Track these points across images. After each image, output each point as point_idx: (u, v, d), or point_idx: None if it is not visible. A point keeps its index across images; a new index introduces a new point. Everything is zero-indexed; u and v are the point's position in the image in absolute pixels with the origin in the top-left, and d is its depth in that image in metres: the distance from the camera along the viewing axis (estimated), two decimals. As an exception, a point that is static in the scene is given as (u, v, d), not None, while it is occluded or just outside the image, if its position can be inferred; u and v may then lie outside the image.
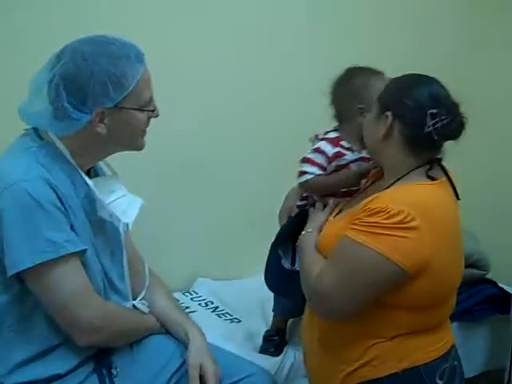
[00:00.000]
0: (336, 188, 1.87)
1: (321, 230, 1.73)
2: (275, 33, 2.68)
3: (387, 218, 1.47)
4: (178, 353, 1.71)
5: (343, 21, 2.82)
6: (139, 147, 1.65)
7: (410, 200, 1.51)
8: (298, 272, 1.81)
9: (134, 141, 1.62)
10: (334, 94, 1.88)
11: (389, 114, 1.57)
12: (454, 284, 1.66)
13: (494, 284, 2.57)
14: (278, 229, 2.01)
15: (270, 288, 2.06)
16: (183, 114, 2.42)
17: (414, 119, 1.55)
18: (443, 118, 1.53)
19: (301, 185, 1.90)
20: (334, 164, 1.86)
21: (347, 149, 1.88)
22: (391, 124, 1.57)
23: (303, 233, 1.75)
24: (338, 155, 1.86)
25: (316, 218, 1.78)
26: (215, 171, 2.68)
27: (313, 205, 1.86)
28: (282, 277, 1.93)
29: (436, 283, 1.55)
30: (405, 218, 1.46)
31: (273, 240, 1.92)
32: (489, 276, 2.58)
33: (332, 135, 1.89)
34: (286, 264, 1.90)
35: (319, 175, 1.86)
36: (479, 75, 3.01)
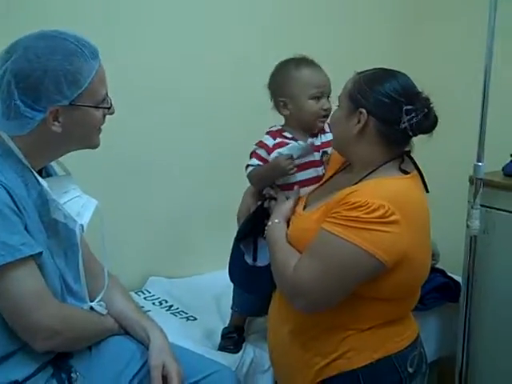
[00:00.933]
0: (269, 178, 1.91)
1: (288, 221, 1.73)
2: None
3: (368, 213, 1.49)
4: (138, 354, 1.68)
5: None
6: (94, 145, 1.61)
7: (389, 194, 1.53)
8: (261, 268, 1.81)
9: (89, 139, 1.58)
10: (268, 85, 1.96)
11: (363, 111, 1.59)
12: (425, 275, 1.69)
13: (443, 273, 2.64)
14: (232, 226, 2.01)
15: (235, 283, 2.07)
16: (131, 111, 2.38)
17: (390, 116, 1.58)
18: (418, 113, 1.57)
19: (247, 178, 1.96)
20: (273, 155, 1.89)
21: (290, 138, 1.91)
22: (366, 120, 1.59)
23: (269, 223, 1.75)
24: (279, 145, 1.90)
25: (281, 208, 1.78)
26: (164, 168, 2.64)
27: (273, 198, 1.86)
28: (246, 272, 1.94)
29: (412, 275, 1.59)
30: (385, 212, 1.48)
31: (234, 236, 1.94)
32: (438, 265, 2.64)
33: (275, 127, 1.95)
34: (249, 260, 1.90)
35: (259, 166, 1.91)
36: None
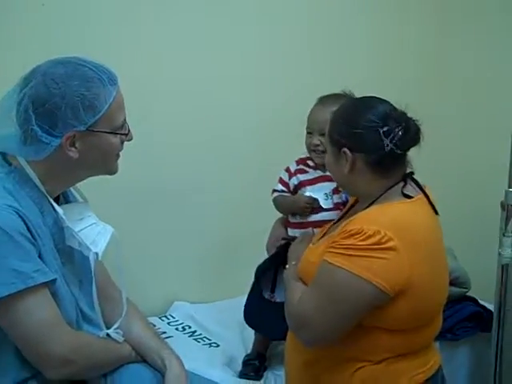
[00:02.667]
0: (288, 210, 2.03)
1: None
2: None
3: (363, 240, 1.46)
4: (154, 382, 1.64)
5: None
6: (112, 171, 1.60)
7: (385, 220, 1.49)
8: (277, 304, 1.80)
9: (106, 165, 1.57)
10: None
11: (346, 150, 1.57)
12: (438, 304, 1.64)
13: (475, 301, 2.55)
14: (257, 251, 2.04)
15: (248, 322, 2.12)
16: (155, 135, 2.39)
17: (371, 145, 1.55)
18: (396, 130, 1.53)
19: (272, 202, 2.08)
20: (291, 182, 2.02)
21: (311, 167, 2.03)
22: (352, 158, 1.56)
23: (287, 266, 1.75)
24: (299, 172, 2.03)
25: (296, 249, 1.80)
26: (191, 194, 2.64)
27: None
28: (261, 310, 1.98)
29: (418, 304, 1.53)
30: (381, 238, 1.45)
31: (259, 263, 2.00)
32: (469, 293, 2.55)
33: (304, 155, 2.06)
34: (267, 294, 1.90)
35: (283, 191, 2.04)
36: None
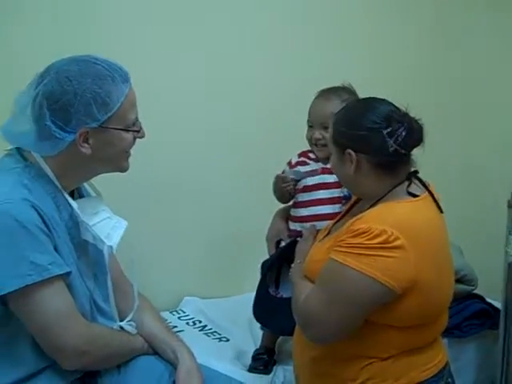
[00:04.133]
0: (277, 192, 2.06)
1: None
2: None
3: (370, 239, 1.47)
4: (166, 374, 1.68)
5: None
6: (123, 168, 1.63)
7: (392, 219, 1.51)
8: (283, 300, 1.82)
9: (118, 162, 1.60)
10: None
11: (350, 151, 1.58)
12: (444, 301, 1.65)
13: (482, 299, 2.56)
14: (266, 249, 2.04)
15: (257, 318, 2.12)
16: (165, 132, 2.41)
17: (375, 146, 1.56)
18: (400, 131, 1.55)
19: None
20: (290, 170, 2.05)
21: (312, 159, 2.05)
22: (357, 160, 1.58)
23: (292, 265, 1.77)
24: (299, 163, 2.06)
25: (301, 247, 1.81)
26: (201, 188, 2.67)
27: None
28: (268, 306, 1.99)
29: (424, 301, 1.54)
30: (388, 237, 1.46)
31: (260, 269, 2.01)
32: (476, 291, 2.57)
33: (307, 148, 2.07)
34: (272, 289, 1.92)
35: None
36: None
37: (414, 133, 1.57)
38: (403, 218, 1.52)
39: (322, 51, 2.81)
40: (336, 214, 1.88)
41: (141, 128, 1.60)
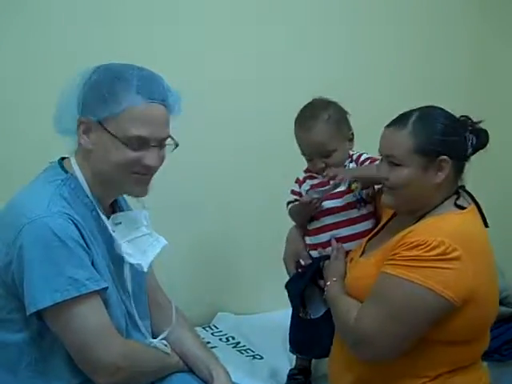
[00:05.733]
0: (301, 214, 2.00)
1: (345, 276, 1.72)
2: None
3: (428, 251, 1.44)
4: None
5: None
6: (130, 191, 1.56)
7: (447, 230, 1.48)
8: (314, 321, 1.79)
9: (119, 178, 1.50)
10: None
11: (446, 158, 1.54)
12: (492, 317, 1.63)
13: (524, 321, 2.50)
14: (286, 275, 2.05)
15: (295, 350, 2.12)
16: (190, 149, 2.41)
17: (462, 151, 1.57)
18: (471, 135, 1.56)
19: (288, 215, 2.07)
20: (302, 188, 2.01)
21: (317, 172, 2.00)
22: (450, 166, 1.55)
23: (328, 283, 1.74)
24: (309, 178, 2.02)
25: (335, 266, 1.79)
26: (234, 204, 2.66)
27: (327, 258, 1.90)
28: (304, 333, 1.99)
29: (479, 314, 1.52)
30: (446, 248, 1.44)
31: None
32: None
33: None
34: (301, 313, 1.90)
35: (296, 200, 2.02)
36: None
37: (483, 135, 1.57)
38: (457, 229, 1.50)
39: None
40: (354, 234, 1.90)
41: (146, 163, 1.48)
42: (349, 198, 1.95)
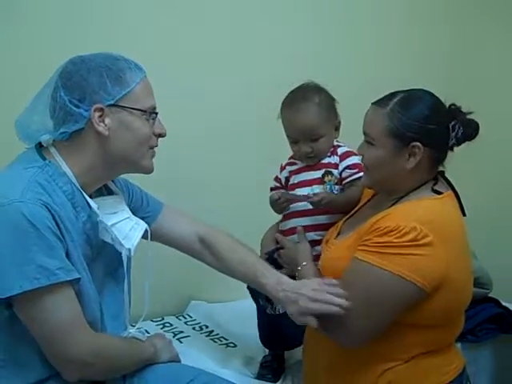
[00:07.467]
0: (273, 207, 1.98)
1: (314, 260, 1.71)
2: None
3: (399, 237, 1.43)
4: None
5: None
6: (145, 166, 1.57)
7: (420, 216, 1.47)
8: (280, 315, 1.77)
9: (138, 154, 1.53)
10: None
11: (418, 144, 1.52)
12: (466, 301, 1.63)
13: (497, 303, 2.51)
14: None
15: (267, 347, 2.13)
16: (185, 129, 2.38)
17: (441, 140, 1.54)
18: (458, 125, 1.53)
19: None
20: (282, 175, 2.02)
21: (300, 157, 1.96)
22: (422, 153, 1.53)
23: (298, 269, 1.72)
24: (288, 164, 2.01)
25: (300, 251, 1.77)
26: (206, 191, 2.62)
27: (280, 248, 1.89)
28: (274, 330, 1.99)
29: (452, 299, 1.52)
30: (417, 235, 1.42)
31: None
32: (491, 295, 2.51)
33: None
34: (269, 309, 1.87)
35: (276, 187, 2.04)
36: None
37: (472, 126, 1.55)
38: (431, 215, 1.49)
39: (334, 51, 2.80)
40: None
41: (162, 126, 1.56)
42: (319, 188, 1.90)
